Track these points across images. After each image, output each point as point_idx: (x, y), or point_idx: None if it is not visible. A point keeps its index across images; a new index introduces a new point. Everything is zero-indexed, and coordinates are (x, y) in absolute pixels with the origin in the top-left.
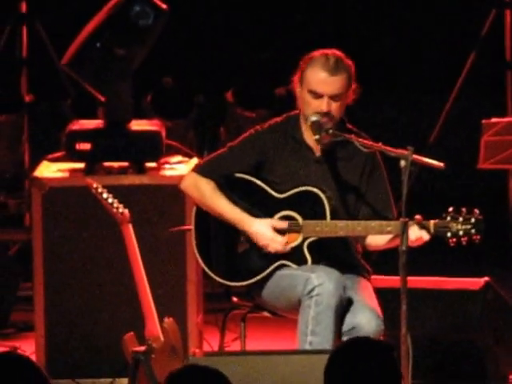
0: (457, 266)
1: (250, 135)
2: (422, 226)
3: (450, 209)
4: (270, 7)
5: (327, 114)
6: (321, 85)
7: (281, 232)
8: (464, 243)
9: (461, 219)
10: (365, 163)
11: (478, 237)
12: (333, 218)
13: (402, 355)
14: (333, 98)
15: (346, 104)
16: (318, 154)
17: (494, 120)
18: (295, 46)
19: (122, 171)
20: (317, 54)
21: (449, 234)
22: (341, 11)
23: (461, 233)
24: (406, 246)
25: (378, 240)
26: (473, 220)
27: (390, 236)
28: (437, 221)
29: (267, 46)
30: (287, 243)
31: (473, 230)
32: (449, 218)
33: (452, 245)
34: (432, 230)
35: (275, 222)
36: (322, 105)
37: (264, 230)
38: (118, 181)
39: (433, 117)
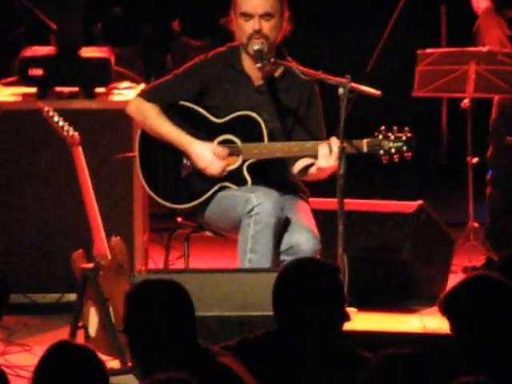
0: (393, 190)
1: (194, 64)
2: (355, 145)
3: (382, 127)
4: None
5: (259, 32)
6: (250, 5)
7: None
8: (396, 160)
9: (392, 137)
10: (303, 92)
11: (410, 153)
12: (270, 140)
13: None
14: (263, 17)
15: (280, 28)
16: (257, 83)
17: (428, 50)
18: None
19: (73, 96)
20: None
21: (381, 152)
22: None
23: (393, 150)
24: (343, 170)
25: (302, 171)
26: (404, 137)
27: (314, 169)
28: (369, 139)
29: None
30: (226, 167)
31: (404, 147)
32: (381, 137)
33: (385, 162)
34: (365, 148)
35: (216, 147)
36: (254, 24)
37: (204, 153)
38: (68, 105)
39: (370, 46)
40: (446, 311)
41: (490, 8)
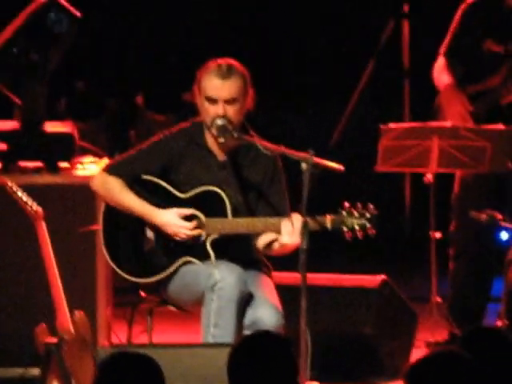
0: (356, 264)
1: (158, 139)
2: (319, 222)
3: (346, 204)
4: (178, 12)
5: (224, 118)
6: (215, 90)
7: (187, 220)
8: (360, 237)
9: (356, 214)
10: (266, 167)
11: (373, 231)
12: (234, 216)
13: (302, 350)
14: (228, 102)
15: (244, 109)
16: (220, 158)
17: (391, 125)
18: (203, 52)
19: (37, 171)
20: (210, 62)
21: (345, 229)
22: (247, 19)
23: (356, 227)
24: (306, 245)
25: (266, 246)
26: (368, 214)
27: (277, 245)
28: (333, 216)
29: (176, 51)
30: (194, 229)
31: (368, 224)
32: (344, 213)
33: (348, 238)
34: (328, 224)
35: (180, 210)
36: (218, 109)
37: (171, 219)
38: (32, 180)
39: (333, 122)
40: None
41: (451, 84)
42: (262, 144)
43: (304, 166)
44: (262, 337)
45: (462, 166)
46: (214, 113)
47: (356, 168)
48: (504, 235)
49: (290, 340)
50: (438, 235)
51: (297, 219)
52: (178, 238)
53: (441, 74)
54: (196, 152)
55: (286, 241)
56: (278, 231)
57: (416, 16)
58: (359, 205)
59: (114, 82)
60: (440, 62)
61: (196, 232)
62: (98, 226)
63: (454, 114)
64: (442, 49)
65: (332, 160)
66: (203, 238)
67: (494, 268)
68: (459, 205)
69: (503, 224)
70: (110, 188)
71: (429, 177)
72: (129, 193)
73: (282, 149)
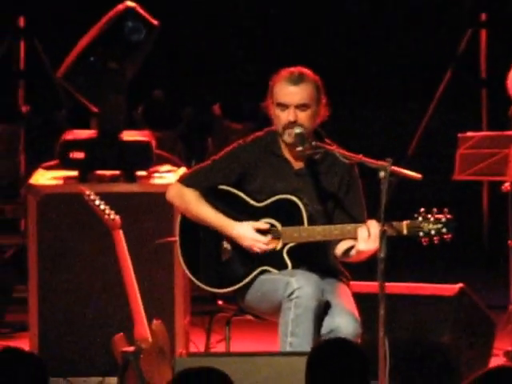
0: (434, 273)
1: (233, 149)
2: (395, 228)
3: (422, 209)
4: (257, 22)
5: (295, 123)
6: (286, 96)
7: (262, 233)
8: (436, 242)
9: (432, 219)
10: (342, 174)
11: (450, 235)
12: (310, 224)
13: (380, 358)
14: (299, 107)
15: (316, 116)
16: (296, 167)
17: (469, 134)
18: (281, 61)
19: (114, 179)
20: (282, 70)
21: (421, 234)
22: (321, 29)
23: (433, 232)
24: (384, 253)
25: (344, 253)
26: (444, 219)
27: (354, 252)
28: (409, 221)
29: (254, 60)
30: (270, 241)
31: (444, 229)
32: (420, 219)
33: (424, 244)
34: (405, 230)
35: (256, 223)
36: (289, 115)
37: (246, 232)
38: (109, 188)
39: (411, 130)
40: None
41: None
42: (340, 152)
43: (382, 174)
44: (339, 344)
45: None
46: (284, 119)
47: (433, 177)
48: None
49: (361, 347)
50: None
51: (373, 226)
52: (252, 251)
53: None
54: (271, 161)
55: (362, 247)
56: (355, 238)
57: (494, 25)
58: (435, 209)
59: (191, 90)
60: None
61: (271, 246)
62: (175, 238)
63: None
64: None
65: (410, 167)
66: (280, 247)
67: None
68: None
69: None
70: (185, 200)
71: (507, 185)
72: (204, 205)
73: (361, 157)
